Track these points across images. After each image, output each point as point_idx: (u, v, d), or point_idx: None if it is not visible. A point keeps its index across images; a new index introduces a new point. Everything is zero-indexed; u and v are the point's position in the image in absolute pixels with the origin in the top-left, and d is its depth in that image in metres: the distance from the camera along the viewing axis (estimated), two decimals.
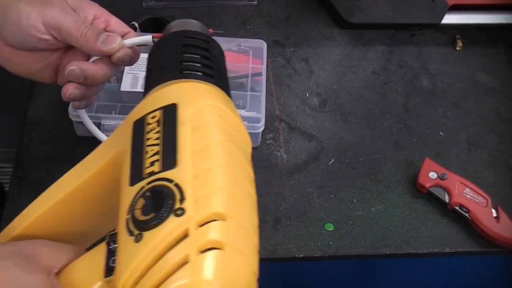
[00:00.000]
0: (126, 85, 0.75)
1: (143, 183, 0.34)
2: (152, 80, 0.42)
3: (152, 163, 0.34)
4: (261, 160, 0.76)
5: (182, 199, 0.32)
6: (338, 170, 0.76)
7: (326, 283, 0.93)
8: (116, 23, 0.58)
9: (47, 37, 0.54)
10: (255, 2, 0.93)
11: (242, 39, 0.82)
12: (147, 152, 0.35)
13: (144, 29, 0.81)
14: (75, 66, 0.54)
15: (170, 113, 0.37)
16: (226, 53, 0.79)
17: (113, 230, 0.36)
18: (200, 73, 0.41)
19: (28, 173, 0.72)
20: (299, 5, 0.94)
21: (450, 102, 0.84)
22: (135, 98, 0.74)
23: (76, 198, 0.42)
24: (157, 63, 0.44)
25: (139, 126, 0.37)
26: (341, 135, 0.79)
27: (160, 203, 0.32)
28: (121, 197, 0.35)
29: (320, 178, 0.75)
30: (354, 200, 0.73)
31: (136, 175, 0.35)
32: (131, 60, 0.57)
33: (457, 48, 0.90)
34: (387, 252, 0.69)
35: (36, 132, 0.76)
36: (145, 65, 0.76)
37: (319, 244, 0.69)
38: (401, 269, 0.90)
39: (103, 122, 0.71)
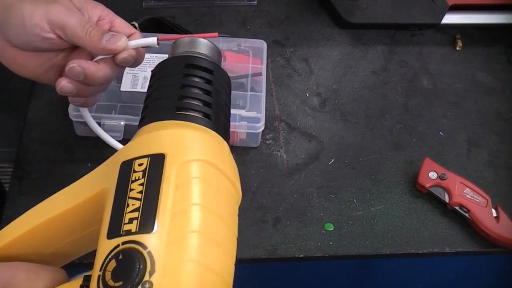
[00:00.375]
0: (126, 85, 0.75)
1: (119, 240, 0.34)
2: (149, 111, 0.42)
3: (131, 220, 0.34)
4: (261, 160, 0.76)
5: (152, 271, 0.32)
6: (338, 170, 0.76)
7: (326, 283, 0.93)
8: (121, 24, 0.58)
9: (51, 36, 0.54)
10: (255, 2, 0.93)
11: (242, 39, 0.82)
12: (128, 205, 0.35)
13: (144, 29, 0.81)
14: (75, 64, 0.54)
15: (156, 164, 0.36)
16: (226, 53, 0.80)
17: (88, 272, 0.36)
18: (196, 114, 0.40)
19: (28, 173, 0.72)
20: (299, 5, 0.94)
21: (450, 102, 0.84)
22: (135, 98, 0.75)
23: (57, 223, 0.42)
24: (157, 91, 0.43)
25: (126, 171, 0.37)
26: (341, 135, 0.79)
27: (130, 272, 0.32)
28: (99, 246, 0.35)
29: (320, 178, 0.75)
30: (354, 200, 0.73)
31: (115, 229, 0.35)
32: (135, 61, 0.57)
33: (457, 48, 0.90)
34: (387, 252, 0.69)
35: (36, 132, 0.76)
36: (147, 66, 0.77)
37: (319, 244, 0.69)
38: (401, 269, 0.90)
39: (103, 122, 0.71)
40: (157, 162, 0.36)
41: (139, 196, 0.35)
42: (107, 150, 0.72)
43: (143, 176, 0.36)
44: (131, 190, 0.36)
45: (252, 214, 0.71)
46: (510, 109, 0.84)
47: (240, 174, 0.76)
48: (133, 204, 0.35)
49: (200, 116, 0.40)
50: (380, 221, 0.71)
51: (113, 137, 0.68)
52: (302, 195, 0.73)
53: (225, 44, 0.81)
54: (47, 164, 0.73)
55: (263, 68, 0.79)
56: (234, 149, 0.76)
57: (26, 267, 0.40)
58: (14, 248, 0.43)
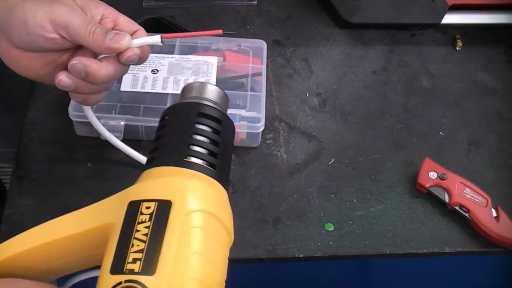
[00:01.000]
0: (126, 85, 0.75)
1: (121, 278, 0.36)
2: (159, 154, 0.44)
3: (134, 260, 0.36)
4: (261, 160, 0.76)
5: None
6: (338, 170, 0.76)
7: (326, 283, 0.93)
8: (124, 21, 0.57)
9: (54, 36, 0.53)
10: (255, 2, 0.93)
11: (242, 39, 0.82)
12: (133, 245, 0.37)
13: (144, 29, 0.81)
14: (77, 61, 0.53)
15: (163, 210, 0.39)
16: (226, 53, 0.80)
17: None
18: (202, 163, 0.43)
19: (28, 173, 0.72)
20: (299, 5, 0.94)
21: (450, 102, 0.84)
22: (135, 98, 0.74)
23: (59, 246, 0.43)
24: (168, 136, 0.45)
25: (133, 211, 0.39)
26: (341, 135, 0.79)
27: None
28: (101, 278, 0.37)
29: (320, 178, 0.75)
30: (354, 200, 0.73)
31: (118, 265, 0.37)
32: (140, 59, 0.56)
33: (457, 48, 0.90)
34: (387, 252, 0.69)
35: (36, 132, 0.76)
36: (147, 66, 0.77)
37: (319, 244, 0.69)
38: (401, 269, 0.90)
39: (103, 122, 0.71)
40: (163, 208, 0.39)
41: (144, 238, 0.37)
42: (107, 150, 0.73)
43: (150, 220, 0.38)
44: (137, 231, 0.38)
45: (252, 214, 0.71)
46: (510, 109, 0.84)
47: (240, 174, 0.76)
48: (137, 245, 0.37)
49: (206, 166, 0.43)
50: (380, 221, 0.71)
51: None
52: (302, 195, 0.73)
53: (225, 44, 0.81)
54: (47, 164, 0.73)
55: (263, 68, 0.79)
56: (234, 149, 0.76)
57: (24, 285, 0.41)
58: (12, 264, 0.44)
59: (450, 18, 0.91)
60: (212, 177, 0.43)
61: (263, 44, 0.82)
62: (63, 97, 0.75)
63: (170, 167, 0.42)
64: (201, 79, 0.75)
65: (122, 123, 0.72)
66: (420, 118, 0.82)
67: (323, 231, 0.70)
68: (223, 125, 0.46)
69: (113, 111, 0.73)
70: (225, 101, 0.49)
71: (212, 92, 0.48)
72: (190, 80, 0.75)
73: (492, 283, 0.95)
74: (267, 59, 0.82)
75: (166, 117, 0.46)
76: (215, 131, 0.45)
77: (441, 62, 0.88)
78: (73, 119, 0.72)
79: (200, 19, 0.91)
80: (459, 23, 0.92)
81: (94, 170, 0.73)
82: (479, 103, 0.84)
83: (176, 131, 0.45)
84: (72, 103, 0.72)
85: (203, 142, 0.44)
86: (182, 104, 0.47)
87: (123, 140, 0.70)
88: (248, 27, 0.91)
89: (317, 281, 0.92)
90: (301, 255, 0.68)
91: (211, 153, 0.44)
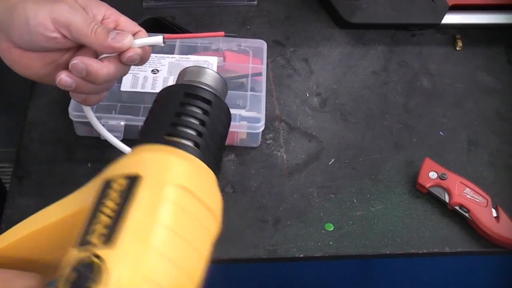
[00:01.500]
0: (126, 85, 0.75)
1: (82, 251, 0.35)
2: (141, 134, 0.43)
3: (98, 235, 0.35)
4: (261, 160, 0.76)
5: (106, 285, 0.33)
6: (338, 170, 0.76)
7: (326, 283, 0.93)
8: (125, 22, 0.58)
9: (56, 35, 0.53)
10: (255, 2, 0.93)
11: (242, 39, 0.82)
12: (99, 220, 0.36)
13: (144, 29, 0.81)
14: (78, 60, 0.53)
15: (132, 185, 0.37)
16: (226, 53, 0.80)
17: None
18: (185, 142, 0.41)
19: (28, 173, 0.72)
20: (299, 5, 0.94)
21: (450, 102, 0.84)
22: (135, 98, 0.75)
23: (44, 235, 0.43)
24: (153, 116, 0.44)
25: (105, 189, 0.38)
26: (341, 135, 0.79)
27: (84, 284, 0.33)
28: (66, 253, 0.36)
29: (320, 178, 0.75)
30: (354, 200, 0.73)
31: (82, 240, 0.36)
32: (141, 60, 0.56)
33: (457, 48, 0.90)
34: (387, 252, 0.69)
35: (36, 132, 0.76)
36: (149, 66, 0.77)
37: (319, 244, 0.69)
38: (401, 269, 0.90)
39: (103, 122, 0.71)
40: (133, 183, 0.37)
41: (111, 214, 0.36)
42: (107, 150, 0.73)
43: (118, 195, 0.37)
44: (106, 207, 0.36)
45: (252, 214, 0.71)
46: (510, 109, 0.84)
47: (240, 174, 0.76)
48: (103, 220, 0.36)
49: (189, 144, 0.41)
50: (380, 221, 0.71)
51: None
52: (302, 195, 0.73)
53: (225, 44, 0.81)
54: (47, 164, 0.73)
55: (263, 68, 0.79)
56: (234, 149, 0.76)
57: (1, 276, 0.41)
58: (3, 253, 0.43)
59: (450, 18, 0.91)
60: (195, 156, 0.40)
61: (263, 44, 0.82)
62: (63, 97, 0.75)
63: (149, 144, 0.41)
64: None
65: (122, 123, 0.72)
66: (420, 118, 0.82)
67: (323, 231, 0.70)
68: (213, 106, 0.44)
69: (113, 111, 0.73)
70: (221, 85, 0.47)
71: (207, 76, 0.46)
72: None
73: (492, 283, 0.95)
74: (267, 59, 0.82)
75: (157, 100, 0.45)
76: (203, 111, 0.43)
77: (441, 62, 0.88)
78: (73, 119, 0.72)
79: (200, 19, 0.91)
80: (459, 23, 0.92)
81: (94, 170, 0.72)
82: (479, 103, 0.84)
83: (161, 111, 0.43)
84: (72, 103, 0.72)
85: (187, 121, 0.42)
86: (172, 86, 0.46)
87: (123, 140, 0.70)
88: (248, 27, 0.91)
89: (317, 281, 0.92)
90: (301, 255, 0.68)
91: (196, 131, 0.42)
